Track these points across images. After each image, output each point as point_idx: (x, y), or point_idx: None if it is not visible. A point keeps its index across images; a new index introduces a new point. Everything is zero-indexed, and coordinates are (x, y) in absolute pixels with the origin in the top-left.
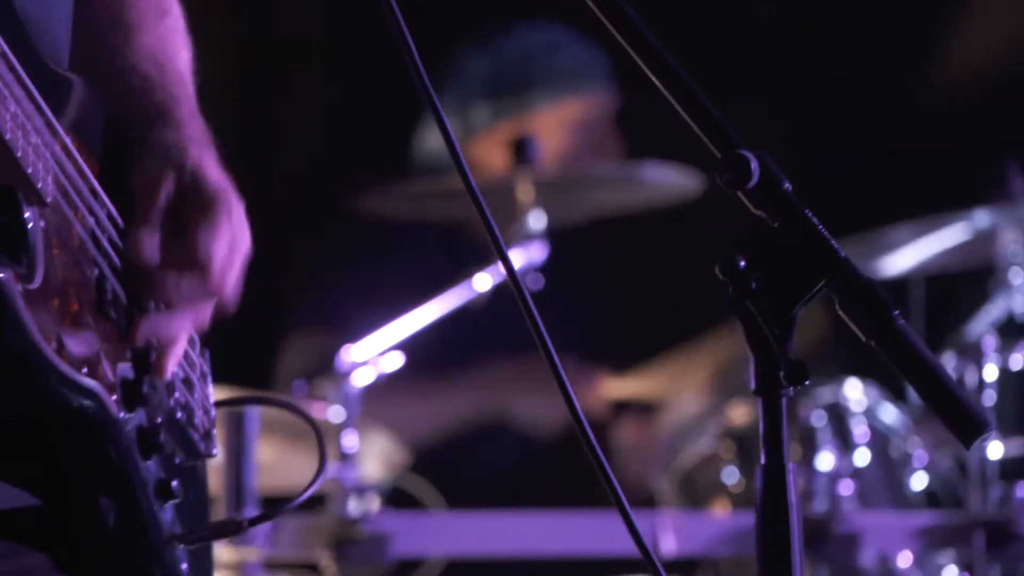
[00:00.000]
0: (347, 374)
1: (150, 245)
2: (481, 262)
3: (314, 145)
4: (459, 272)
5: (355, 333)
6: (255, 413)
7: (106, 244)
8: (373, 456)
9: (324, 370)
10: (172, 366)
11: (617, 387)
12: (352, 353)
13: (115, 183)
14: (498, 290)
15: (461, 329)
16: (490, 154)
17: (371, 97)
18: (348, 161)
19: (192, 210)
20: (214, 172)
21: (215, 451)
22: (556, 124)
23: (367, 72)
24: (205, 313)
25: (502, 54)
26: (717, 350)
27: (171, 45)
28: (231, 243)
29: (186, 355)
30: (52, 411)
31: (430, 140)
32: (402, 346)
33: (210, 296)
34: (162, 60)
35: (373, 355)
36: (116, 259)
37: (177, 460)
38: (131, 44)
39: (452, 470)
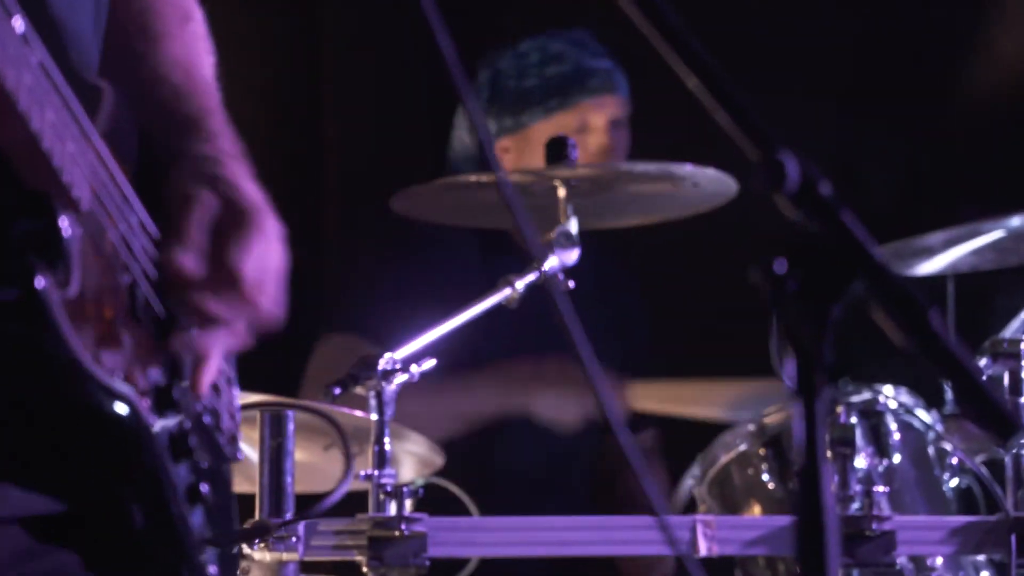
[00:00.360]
0: (383, 378)
1: (186, 260)
2: (520, 269)
3: (350, 146)
4: (497, 279)
5: (392, 339)
6: (292, 416)
7: (139, 251)
8: (408, 458)
9: (360, 375)
10: (207, 382)
11: (643, 395)
12: (387, 358)
13: (147, 191)
14: (529, 290)
15: (483, 329)
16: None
17: (409, 98)
18: (384, 163)
19: (227, 225)
20: (249, 187)
21: (241, 455)
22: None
23: (404, 73)
24: (240, 330)
25: (500, 70)
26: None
27: (196, 52)
28: (265, 259)
29: None
30: (87, 417)
31: (460, 143)
32: (436, 351)
33: (245, 313)
34: (189, 68)
35: (408, 360)
36: (149, 267)
37: (204, 464)
38: (159, 53)
39: (484, 471)
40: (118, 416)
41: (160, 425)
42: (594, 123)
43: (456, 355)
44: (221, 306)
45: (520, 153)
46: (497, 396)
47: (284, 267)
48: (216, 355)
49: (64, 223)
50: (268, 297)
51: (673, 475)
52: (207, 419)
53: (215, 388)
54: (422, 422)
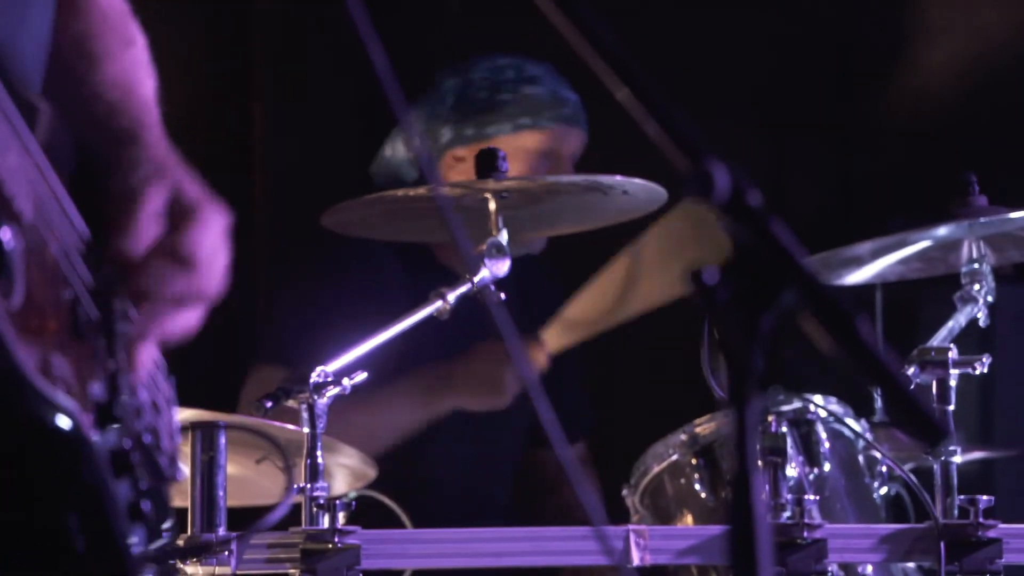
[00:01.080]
0: (314, 391)
1: (135, 245)
2: (442, 283)
3: (278, 162)
4: (419, 294)
5: (323, 355)
6: (224, 432)
7: (78, 264)
8: (341, 470)
9: (292, 388)
10: (145, 361)
11: (556, 335)
12: (319, 371)
13: (84, 204)
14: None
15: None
16: (449, 175)
17: (337, 114)
18: (314, 179)
19: (174, 218)
20: (193, 186)
21: (180, 475)
22: (514, 152)
23: (333, 90)
24: (192, 312)
25: (472, 80)
26: None
27: (136, 74)
28: (215, 245)
29: (154, 380)
30: (28, 429)
31: (391, 156)
32: (366, 364)
33: (197, 293)
34: (128, 88)
35: (340, 373)
36: (88, 278)
37: (143, 483)
38: (97, 73)
39: (417, 483)
40: (60, 429)
41: (102, 440)
42: (563, 151)
43: (380, 368)
44: (173, 283)
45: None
46: (423, 401)
47: (228, 258)
48: (155, 335)
49: (6, 235)
50: (215, 279)
51: (606, 485)
52: (147, 438)
53: (155, 407)
54: (356, 441)
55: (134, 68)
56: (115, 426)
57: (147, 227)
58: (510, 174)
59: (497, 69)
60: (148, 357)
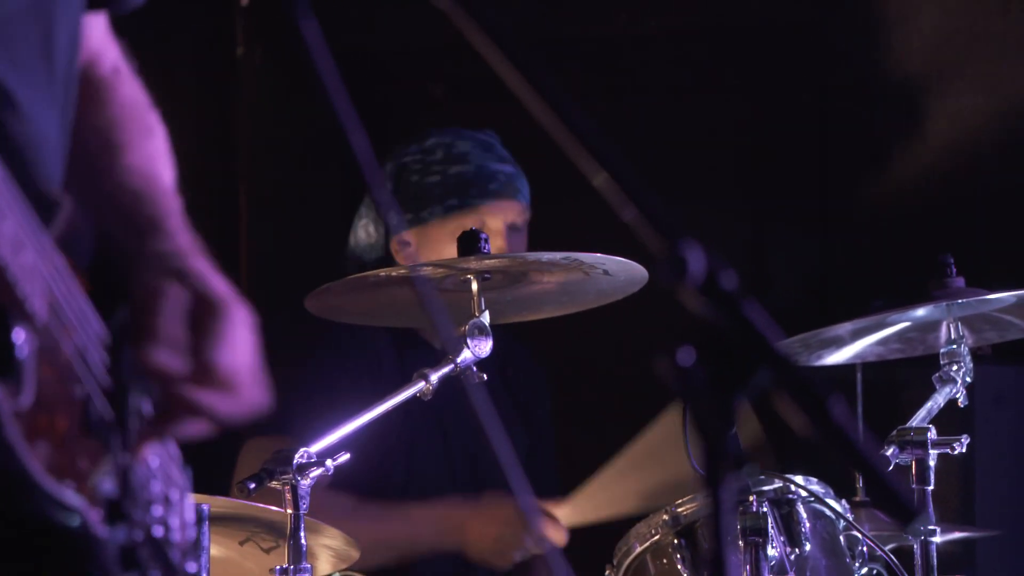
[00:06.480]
0: (297, 472)
1: (163, 355)
2: (431, 362)
3: (264, 243)
4: (410, 373)
5: (308, 435)
6: (208, 511)
7: (93, 363)
8: (324, 551)
9: (275, 469)
10: (149, 446)
11: (566, 514)
12: (302, 452)
13: (105, 299)
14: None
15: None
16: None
17: (321, 200)
18: (299, 261)
19: (198, 317)
20: (216, 279)
21: (192, 568)
22: (450, 237)
23: (317, 172)
24: (214, 420)
25: (405, 164)
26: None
27: (156, 163)
28: (239, 349)
29: (167, 471)
30: (35, 528)
31: (354, 244)
32: (350, 446)
33: (223, 404)
34: (150, 177)
35: (324, 454)
36: (103, 378)
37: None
38: (120, 163)
39: (400, 565)
40: (67, 527)
41: (110, 536)
42: (492, 225)
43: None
44: (201, 398)
45: (420, 248)
46: (434, 531)
47: (257, 355)
48: (170, 436)
49: (18, 336)
50: (246, 386)
51: (589, 565)
52: (158, 531)
53: (167, 500)
54: (361, 549)
55: (155, 157)
56: (124, 521)
57: (170, 331)
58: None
59: (427, 151)
60: (152, 445)
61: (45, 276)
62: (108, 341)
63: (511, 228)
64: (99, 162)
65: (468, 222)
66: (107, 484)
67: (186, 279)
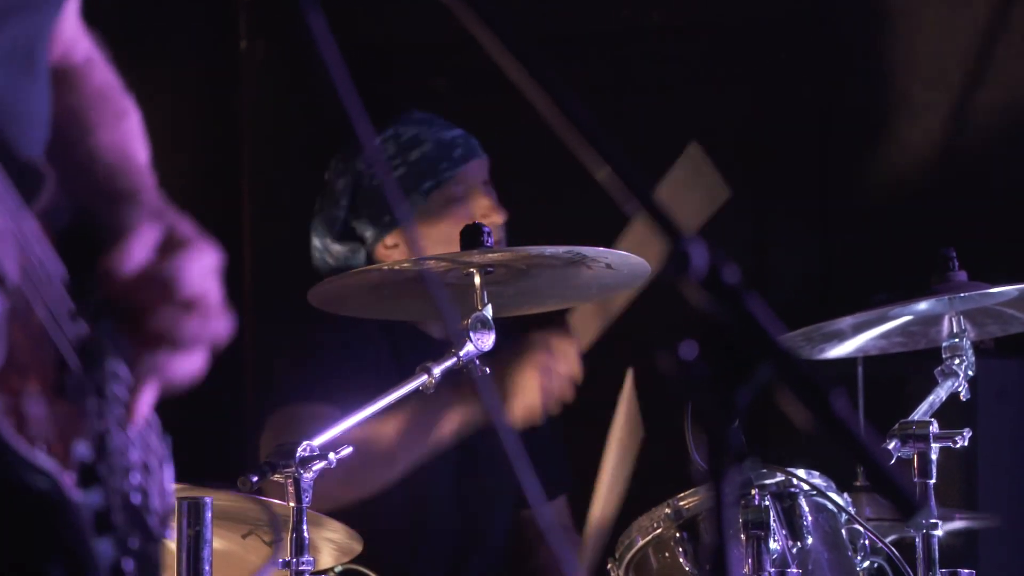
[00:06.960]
0: (300, 466)
1: (124, 263)
2: (429, 357)
3: (267, 238)
4: (407, 365)
5: (311, 428)
6: (211, 504)
7: (66, 326)
8: (327, 544)
9: (278, 463)
10: (145, 406)
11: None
12: (305, 445)
13: (78, 268)
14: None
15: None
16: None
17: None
18: (302, 255)
19: (168, 247)
20: (186, 225)
21: (169, 534)
22: (439, 220)
23: (319, 166)
24: (194, 356)
25: (360, 172)
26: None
27: (131, 143)
28: (206, 274)
29: (146, 439)
30: (6, 489)
31: (321, 257)
32: (352, 440)
33: (191, 329)
34: (123, 154)
35: (326, 447)
36: (74, 338)
37: (132, 543)
38: (92, 140)
39: (403, 557)
40: (38, 489)
41: (83, 500)
42: (473, 185)
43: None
44: (168, 318)
45: (411, 244)
46: (458, 406)
47: (220, 289)
48: (156, 379)
49: None
50: (212, 309)
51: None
52: (136, 498)
53: (146, 468)
54: (372, 465)
55: (128, 138)
56: (99, 485)
57: (138, 250)
58: (443, 246)
59: (377, 150)
60: (147, 401)
61: (19, 240)
62: (82, 307)
63: (484, 183)
64: (70, 138)
65: (450, 194)
66: (81, 448)
67: (159, 222)
